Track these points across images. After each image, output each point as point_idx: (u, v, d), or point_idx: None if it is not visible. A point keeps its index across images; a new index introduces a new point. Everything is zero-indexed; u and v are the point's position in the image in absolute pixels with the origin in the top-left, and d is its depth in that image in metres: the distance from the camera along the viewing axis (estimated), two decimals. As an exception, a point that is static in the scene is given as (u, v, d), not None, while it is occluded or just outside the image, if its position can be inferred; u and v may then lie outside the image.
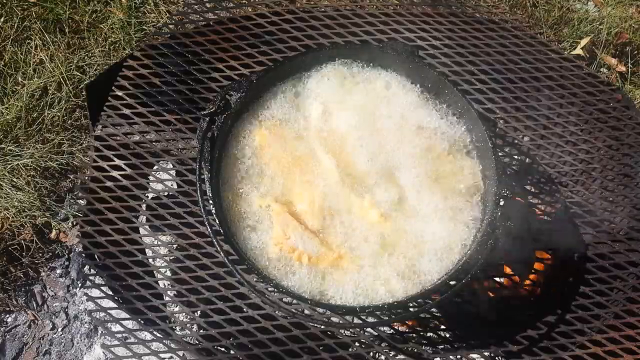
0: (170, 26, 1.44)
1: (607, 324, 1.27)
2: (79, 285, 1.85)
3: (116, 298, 1.25)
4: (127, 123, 1.39)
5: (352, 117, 1.20)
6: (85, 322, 1.80)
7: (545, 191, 1.40)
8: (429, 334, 1.26)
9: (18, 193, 1.88)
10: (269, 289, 1.23)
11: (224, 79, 1.43)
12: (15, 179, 1.89)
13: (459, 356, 1.24)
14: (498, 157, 1.10)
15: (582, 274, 1.32)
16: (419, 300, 1.08)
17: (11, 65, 2.09)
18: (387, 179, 1.15)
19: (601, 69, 2.30)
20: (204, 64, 1.44)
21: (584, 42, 2.27)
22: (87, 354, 1.77)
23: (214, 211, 1.05)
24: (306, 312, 1.24)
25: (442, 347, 1.26)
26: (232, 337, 1.22)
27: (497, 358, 1.26)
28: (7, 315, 1.81)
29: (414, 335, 1.26)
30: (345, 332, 1.24)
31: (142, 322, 1.23)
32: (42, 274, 1.87)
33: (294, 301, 1.21)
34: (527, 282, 1.36)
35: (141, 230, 1.32)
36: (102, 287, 1.26)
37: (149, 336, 1.22)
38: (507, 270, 1.35)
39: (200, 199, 1.06)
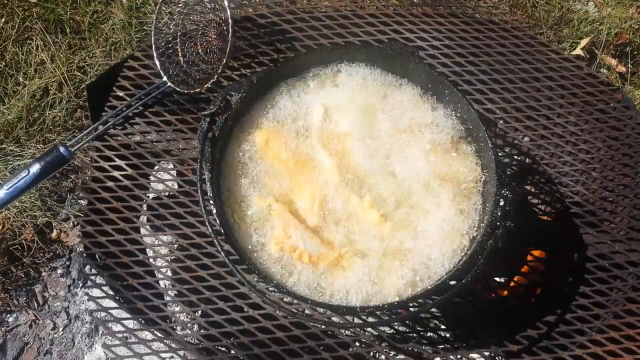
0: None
1: (607, 323, 1.28)
2: (80, 285, 1.86)
3: (117, 298, 1.26)
4: (128, 123, 1.39)
5: (352, 118, 1.20)
6: (86, 322, 1.80)
7: (545, 191, 1.40)
8: (429, 334, 1.27)
9: (19, 193, 1.88)
10: (270, 288, 1.24)
11: (225, 79, 1.43)
12: (16, 179, 1.89)
13: (459, 356, 1.24)
14: (498, 157, 1.10)
15: (582, 274, 1.32)
16: (419, 300, 1.08)
17: (12, 66, 2.10)
18: (387, 179, 1.15)
19: (601, 70, 2.30)
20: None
21: (584, 42, 2.27)
22: (88, 353, 1.77)
23: (214, 211, 1.06)
24: (307, 311, 1.25)
25: (442, 347, 1.26)
26: (232, 336, 1.22)
27: (497, 358, 1.27)
28: (8, 315, 1.81)
29: (414, 335, 1.27)
30: (346, 331, 1.25)
31: (142, 321, 1.24)
32: (43, 273, 1.88)
33: (295, 301, 1.22)
34: (527, 282, 1.36)
35: (142, 230, 1.32)
36: (103, 287, 1.26)
37: (149, 336, 1.23)
38: (507, 270, 1.35)
39: (201, 199, 1.06)
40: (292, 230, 1.09)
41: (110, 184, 1.33)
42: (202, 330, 1.24)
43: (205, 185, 1.07)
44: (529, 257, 1.38)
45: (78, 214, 1.90)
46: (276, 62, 1.46)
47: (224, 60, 1.30)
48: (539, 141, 1.43)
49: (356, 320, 1.22)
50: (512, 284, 1.35)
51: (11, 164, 1.93)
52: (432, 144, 1.18)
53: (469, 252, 1.08)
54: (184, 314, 1.31)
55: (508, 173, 1.39)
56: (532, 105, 1.45)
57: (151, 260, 1.29)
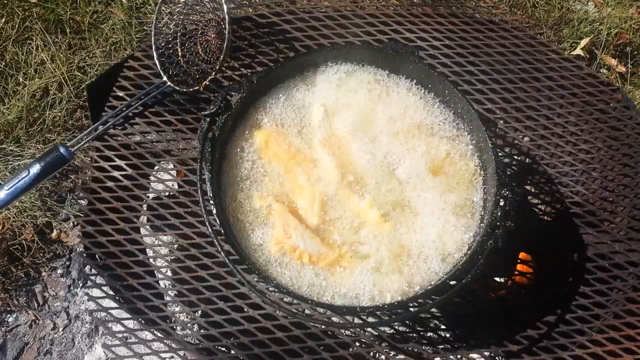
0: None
1: (607, 324, 1.28)
2: (80, 285, 1.86)
3: (117, 298, 1.26)
4: (128, 123, 1.40)
5: (352, 118, 1.20)
6: (86, 322, 1.80)
7: (545, 191, 1.40)
8: (429, 334, 1.27)
9: (19, 193, 1.88)
10: (270, 288, 1.24)
11: (225, 79, 1.43)
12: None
13: (459, 356, 1.24)
14: (498, 157, 1.10)
15: (582, 274, 1.32)
16: (419, 300, 1.08)
17: (12, 66, 2.10)
18: (387, 179, 1.15)
19: (601, 70, 2.31)
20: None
21: (583, 42, 2.27)
22: (88, 353, 1.77)
23: (214, 211, 1.06)
24: (307, 312, 1.25)
25: (442, 347, 1.26)
26: (232, 336, 1.22)
27: (497, 358, 1.27)
28: (8, 315, 1.81)
29: (414, 335, 1.27)
30: (346, 331, 1.25)
31: (142, 321, 1.24)
32: (43, 273, 1.88)
33: (295, 301, 1.22)
34: (527, 282, 1.36)
35: (142, 230, 1.32)
36: (103, 287, 1.27)
37: (149, 336, 1.23)
38: (507, 270, 1.35)
39: (201, 199, 1.06)
40: (292, 230, 1.09)
41: (110, 184, 1.33)
42: (202, 330, 1.24)
43: (205, 185, 1.07)
44: (525, 258, 1.38)
45: (78, 214, 1.90)
46: (276, 62, 1.46)
47: (221, 57, 1.30)
48: (539, 141, 1.43)
49: (356, 320, 1.22)
50: (512, 284, 1.35)
51: (11, 164, 1.93)
52: (431, 144, 1.18)
53: (469, 252, 1.08)
54: (184, 314, 1.31)
55: (508, 173, 1.39)
56: (532, 105, 1.45)
57: (151, 260, 1.29)
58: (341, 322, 1.23)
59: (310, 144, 1.18)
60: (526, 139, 1.45)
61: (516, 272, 1.35)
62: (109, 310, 1.25)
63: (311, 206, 1.12)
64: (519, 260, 1.38)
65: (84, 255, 1.31)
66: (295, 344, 1.21)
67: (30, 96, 2.04)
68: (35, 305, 1.84)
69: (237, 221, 1.11)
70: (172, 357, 1.22)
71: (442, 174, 1.16)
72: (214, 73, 1.32)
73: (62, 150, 1.27)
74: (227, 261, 1.03)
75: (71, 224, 1.93)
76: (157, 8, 1.41)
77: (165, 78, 1.38)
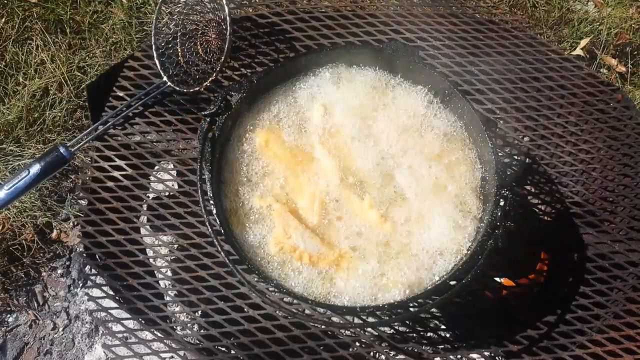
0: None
1: (607, 324, 1.28)
2: (80, 285, 1.86)
3: (117, 298, 1.26)
4: (128, 123, 1.40)
5: (352, 118, 1.20)
6: (86, 322, 1.80)
7: (545, 191, 1.40)
8: (429, 334, 1.27)
9: (19, 193, 1.88)
10: (270, 288, 1.24)
11: (225, 79, 1.43)
12: (16, 179, 1.89)
13: (459, 356, 1.24)
14: (498, 157, 1.10)
15: (582, 274, 1.32)
16: (419, 300, 1.09)
17: (12, 66, 2.10)
18: (387, 179, 1.15)
19: (601, 70, 2.30)
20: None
21: (583, 42, 2.27)
22: (88, 353, 1.77)
23: (214, 211, 1.06)
24: (307, 312, 1.25)
25: (442, 347, 1.26)
26: (232, 336, 1.22)
27: (497, 358, 1.27)
28: (8, 315, 1.81)
29: (414, 335, 1.27)
30: (346, 332, 1.25)
31: (142, 321, 1.24)
32: (43, 274, 1.88)
33: (295, 301, 1.22)
34: (527, 282, 1.36)
35: (142, 230, 1.32)
36: (103, 287, 1.27)
37: (149, 336, 1.23)
38: (507, 270, 1.36)
39: (201, 199, 1.06)
40: (292, 230, 1.09)
41: (110, 184, 1.33)
42: (202, 330, 1.24)
43: (205, 185, 1.07)
44: (525, 258, 1.38)
45: (78, 214, 1.90)
46: (276, 62, 1.46)
47: (222, 58, 1.30)
48: (539, 141, 1.43)
49: (356, 321, 1.22)
50: (512, 284, 1.35)
51: (11, 164, 1.93)
52: (432, 144, 1.18)
53: (469, 252, 1.08)
54: (184, 314, 1.31)
55: (508, 173, 1.39)
56: (532, 105, 1.45)
57: (151, 260, 1.29)
58: (341, 322, 1.23)
59: (310, 144, 1.18)
60: (526, 139, 1.45)
61: (516, 272, 1.35)
62: (109, 310, 1.25)
63: (311, 206, 1.12)
64: (519, 260, 1.38)
65: (84, 255, 1.31)
66: (295, 344, 1.21)
67: (30, 96, 2.04)
68: (35, 305, 1.83)
69: (237, 221, 1.11)
70: (172, 357, 1.22)
71: (442, 174, 1.16)
72: (214, 74, 1.32)
73: (62, 150, 1.27)
74: (227, 261, 1.03)
75: (71, 224, 1.93)
76: (157, 8, 1.41)
77: (165, 78, 1.38)
